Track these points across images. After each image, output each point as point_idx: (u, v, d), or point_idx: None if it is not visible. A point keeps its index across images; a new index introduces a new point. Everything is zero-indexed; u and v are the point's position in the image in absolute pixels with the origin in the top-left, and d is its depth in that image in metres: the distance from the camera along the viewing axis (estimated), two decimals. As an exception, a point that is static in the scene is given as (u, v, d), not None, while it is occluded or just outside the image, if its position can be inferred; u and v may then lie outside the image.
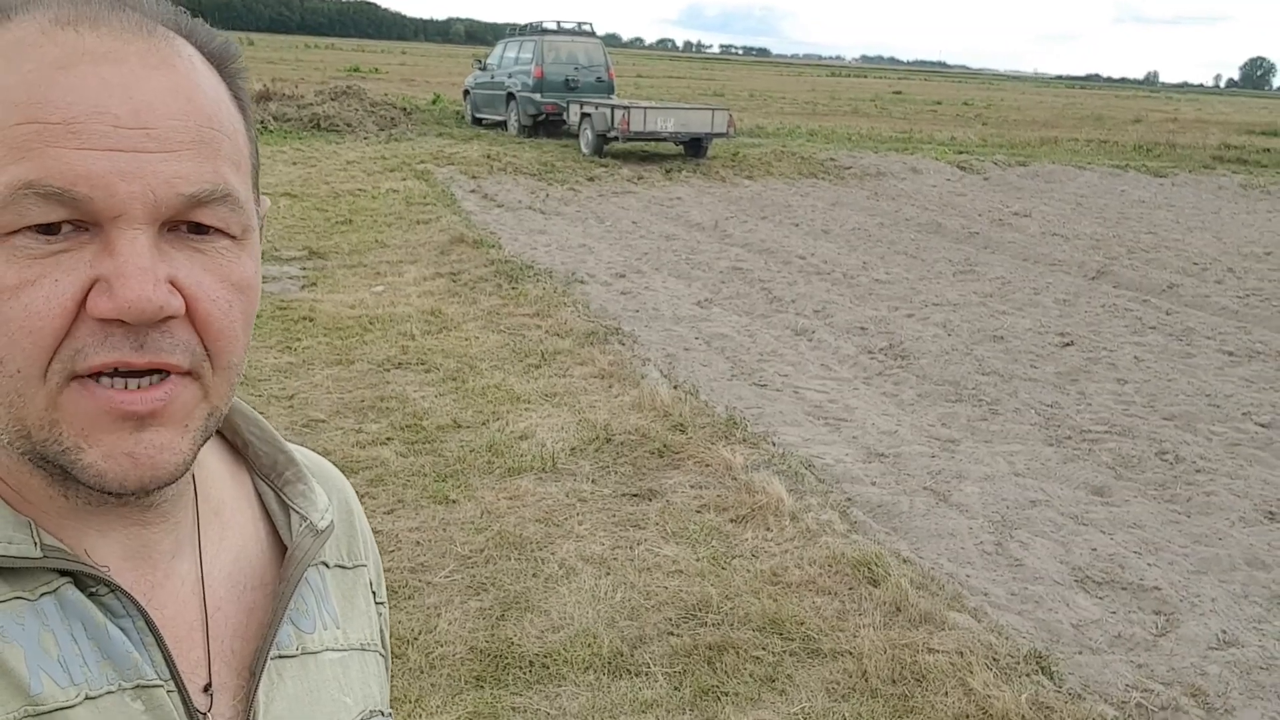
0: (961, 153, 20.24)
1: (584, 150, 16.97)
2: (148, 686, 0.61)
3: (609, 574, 3.75)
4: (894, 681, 3.18)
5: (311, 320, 6.77)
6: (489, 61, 20.91)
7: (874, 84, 67.16)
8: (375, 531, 1.42)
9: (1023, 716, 2.98)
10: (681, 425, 5.12)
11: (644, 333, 7.10)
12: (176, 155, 0.57)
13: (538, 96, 18.78)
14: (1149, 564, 4.14)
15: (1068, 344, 7.37)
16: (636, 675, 3.17)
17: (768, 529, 4.13)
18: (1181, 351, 7.33)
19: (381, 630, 0.83)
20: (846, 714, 3.03)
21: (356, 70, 36.70)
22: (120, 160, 0.55)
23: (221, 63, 0.64)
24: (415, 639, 3.29)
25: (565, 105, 18.29)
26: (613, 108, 16.58)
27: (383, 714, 0.78)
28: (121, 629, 0.62)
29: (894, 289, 9.00)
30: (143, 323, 0.56)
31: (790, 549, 3.98)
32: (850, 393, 6.15)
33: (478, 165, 14.99)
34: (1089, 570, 4.07)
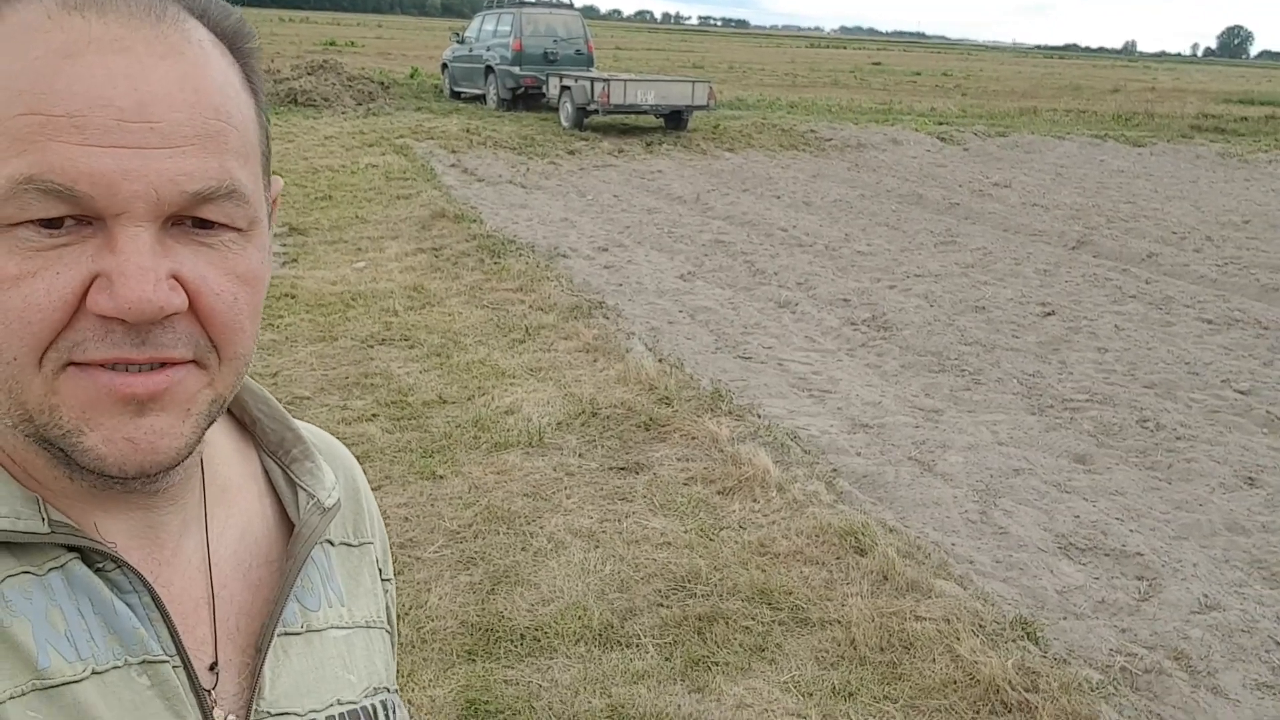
0: (941, 124, 20.25)
1: (564, 124, 16.86)
2: (154, 662, 0.62)
3: (598, 547, 3.76)
4: (882, 649, 3.21)
5: (293, 297, 6.72)
6: (467, 35, 20.72)
7: (853, 55, 67.02)
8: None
9: (1009, 682, 3.02)
10: (667, 398, 5.13)
11: (628, 306, 7.09)
12: (181, 151, 0.56)
13: (517, 69, 18.64)
14: (1131, 530, 4.19)
15: (1049, 314, 7.41)
16: (627, 647, 3.19)
17: (755, 500, 4.15)
18: (1161, 320, 7.39)
19: (388, 607, 0.83)
20: (835, 682, 3.06)
21: (333, 44, 36.33)
22: (123, 157, 0.54)
23: (234, 42, 0.63)
24: (406, 614, 3.29)
25: (544, 78, 18.17)
26: (593, 80, 16.48)
27: (388, 690, 0.78)
28: (128, 605, 0.62)
29: (876, 260, 9.01)
30: (143, 322, 0.56)
31: (777, 520, 4.00)
32: (834, 364, 6.17)
33: (457, 139, 14.87)
34: (1072, 537, 4.12)
